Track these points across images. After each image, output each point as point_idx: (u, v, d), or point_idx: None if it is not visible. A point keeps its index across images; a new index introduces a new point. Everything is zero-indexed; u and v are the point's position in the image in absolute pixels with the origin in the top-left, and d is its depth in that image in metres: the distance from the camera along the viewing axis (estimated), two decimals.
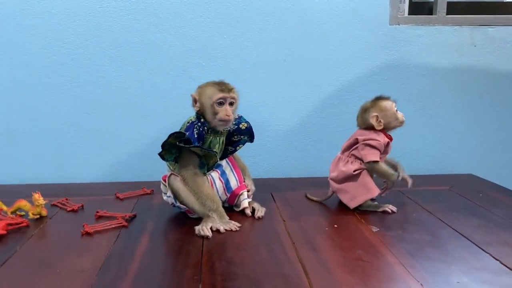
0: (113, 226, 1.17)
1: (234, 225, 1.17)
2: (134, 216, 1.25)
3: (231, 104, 1.20)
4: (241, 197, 1.29)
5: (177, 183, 1.20)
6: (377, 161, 1.27)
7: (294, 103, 1.72)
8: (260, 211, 1.26)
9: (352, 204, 1.29)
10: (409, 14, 1.77)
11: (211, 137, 1.22)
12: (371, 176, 1.29)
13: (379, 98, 1.31)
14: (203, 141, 1.20)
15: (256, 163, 1.73)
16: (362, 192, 1.27)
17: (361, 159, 1.29)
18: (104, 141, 1.67)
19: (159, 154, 1.20)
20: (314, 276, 0.89)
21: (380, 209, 1.28)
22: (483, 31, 1.72)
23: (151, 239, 1.10)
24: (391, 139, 1.31)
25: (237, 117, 1.29)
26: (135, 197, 1.43)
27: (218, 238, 1.09)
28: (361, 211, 1.28)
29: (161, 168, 1.65)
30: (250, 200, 1.30)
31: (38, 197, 1.24)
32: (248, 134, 1.30)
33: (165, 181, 1.24)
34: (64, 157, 1.67)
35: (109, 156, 1.68)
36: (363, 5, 1.67)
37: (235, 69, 1.66)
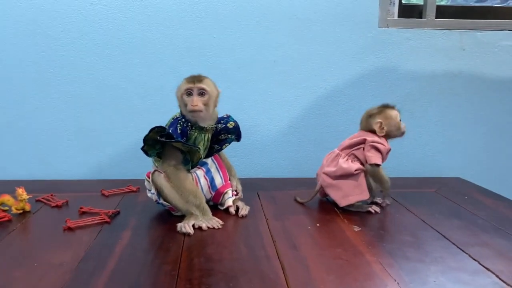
0: (96, 222, 1.17)
1: (216, 222, 1.17)
2: (118, 212, 1.25)
3: (201, 94, 1.19)
4: (226, 196, 1.28)
5: (161, 179, 1.19)
6: (379, 165, 1.27)
7: (283, 104, 1.72)
8: (244, 210, 1.26)
9: (342, 202, 1.28)
10: (398, 17, 1.78)
11: (196, 134, 1.22)
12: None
13: (385, 106, 1.33)
14: (187, 137, 1.20)
15: (244, 163, 1.73)
16: (356, 192, 1.27)
17: (360, 160, 1.29)
18: (92, 138, 1.67)
19: (142, 149, 1.19)
20: (291, 273, 0.89)
21: (364, 209, 1.28)
22: (472, 35, 1.73)
23: (132, 235, 1.10)
24: (390, 149, 1.31)
25: (225, 116, 1.29)
26: (120, 194, 1.43)
27: (200, 236, 1.09)
28: (345, 211, 1.28)
29: (148, 166, 1.65)
30: (234, 198, 1.29)
31: (21, 192, 1.24)
32: (235, 133, 1.30)
33: (149, 177, 1.24)
34: (51, 154, 1.67)
35: (96, 153, 1.68)
36: (353, 7, 1.68)
37: (224, 68, 1.67)
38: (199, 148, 1.22)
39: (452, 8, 1.90)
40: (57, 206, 1.31)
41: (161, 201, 1.22)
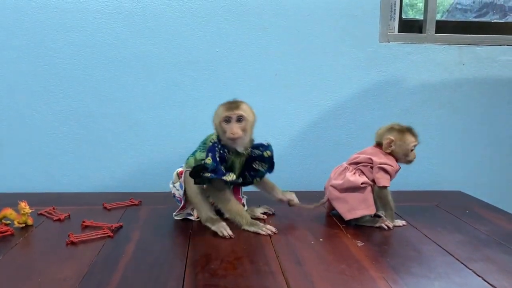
0: (99, 236, 1.17)
1: (270, 228, 1.21)
2: (121, 226, 1.25)
3: (239, 120, 1.21)
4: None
5: (192, 183, 1.23)
6: (386, 187, 1.27)
7: (284, 117, 1.73)
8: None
9: (348, 216, 1.27)
10: (398, 31, 1.79)
11: (232, 157, 1.24)
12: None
13: (409, 130, 1.31)
14: (225, 162, 1.23)
15: None
16: (362, 206, 1.26)
17: (366, 176, 1.29)
18: (94, 152, 1.67)
19: (196, 183, 1.22)
20: None
21: (377, 224, 1.27)
22: (471, 50, 1.75)
23: (136, 250, 1.09)
24: (399, 168, 1.31)
25: (266, 144, 1.29)
26: (123, 207, 1.43)
27: (203, 250, 1.09)
28: (348, 225, 1.29)
29: (149, 180, 1.66)
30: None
31: (24, 206, 1.23)
32: (269, 164, 1.31)
33: (180, 174, 1.28)
34: (52, 167, 1.67)
35: (97, 166, 1.68)
36: (354, 22, 1.70)
37: (226, 82, 1.68)
38: (239, 181, 1.27)
39: (451, 23, 1.92)
40: (59, 220, 1.30)
41: (182, 197, 1.27)
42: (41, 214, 1.34)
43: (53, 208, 1.38)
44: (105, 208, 1.42)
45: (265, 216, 1.35)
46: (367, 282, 0.93)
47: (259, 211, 1.36)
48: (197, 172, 1.19)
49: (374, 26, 1.71)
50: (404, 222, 1.30)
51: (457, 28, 1.88)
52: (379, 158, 1.28)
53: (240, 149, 1.24)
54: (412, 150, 1.31)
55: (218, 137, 1.24)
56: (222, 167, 1.20)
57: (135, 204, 1.46)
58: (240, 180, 1.29)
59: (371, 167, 1.29)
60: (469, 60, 1.75)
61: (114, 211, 1.40)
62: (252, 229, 1.22)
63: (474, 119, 1.79)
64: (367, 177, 1.29)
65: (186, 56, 1.66)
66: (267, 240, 1.17)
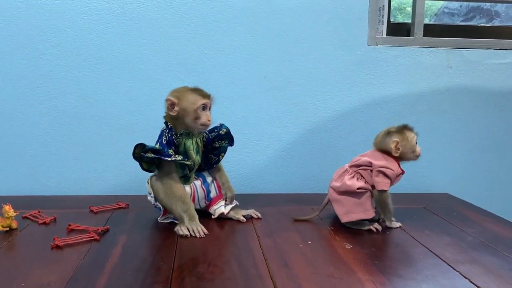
0: (85, 239, 1.15)
1: (199, 231, 1.21)
2: (107, 230, 1.23)
3: (209, 109, 1.27)
4: (216, 206, 1.35)
5: (158, 184, 1.26)
6: (386, 191, 1.27)
7: (273, 120, 1.73)
8: (255, 214, 1.36)
9: (344, 219, 1.27)
10: (387, 35, 1.80)
11: (184, 139, 1.28)
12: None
13: (405, 127, 1.31)
14: (175, 145, 1.26)
15: (234, 178, 1.71)
16: (359, 210, 1.26)
17: (365, 179, 1.28)
18: (80, 154, 1.65)
19: (143, 168, 1.28)
20: None
21: (366, 227, 1.27)
22: (459, 54, 1.77)
23: (122, 253, 1.08)
24: (403, 172, 1.31)
25: (218, 125, 1.36)
26: (110, 210, 1.41)
27: (191, 254, 1.08)
28: (336, 227, 1.28)
29: (137, 182, 1.64)
30: (230, 206, 1.36)
31: (8, 209, 1.21)
32: (228, 139, 1.36)
33: (149, 182, 1.31)
34: (38, 169, 1.64)
35: (84, 168, 1.66)
36: (342, 25, 1.71)
37: (215, 84, 1.67)
38: (187, 161, 1.27)
39: (439, 26, 1.93)
40: (44, 223, 1.28)
41: (158, 204, 1.29)
42: (25, 217, 1.32)
43: (38, 211, 1.36)
44: (91, 211, 1.40)
45: (245, 219, 1.33)
46: (355, 285, 0.93)
47: (241, 213, 1.35)
48: (139, 154, 1.23)
49: (363, 29, 1.72)
50: (399, 224, 1.31)
51: (444, 32, 1.90)
52: (379, 161, 1.28)
53: (194, 131, 1.29)
54: (416, 143, 1.31)
55: (166, 123, 1.29)
56: (170, 151, 1.24)
57: (122, 207, 1.44)
58: (192, 162, 1.28)
59: (371, 171, 1.28)
60: (456, 64, 1.77)
61: (101, 214, 1.38)
62: (187, 223, 1.22)
63: (461, 122, 1.80)
64: (366, 181, 1.28)
65: (174, 58, 1.65)
66: (255, 243, 1.16)
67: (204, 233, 1.20)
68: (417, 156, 1.32)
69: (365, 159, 1.30)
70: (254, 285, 0.92)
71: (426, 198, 1.63)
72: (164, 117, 1.30)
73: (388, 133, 1.31)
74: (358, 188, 1.26)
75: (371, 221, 1.30)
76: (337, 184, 1.30)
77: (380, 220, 1.33)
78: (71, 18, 1.60)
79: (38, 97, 1.62)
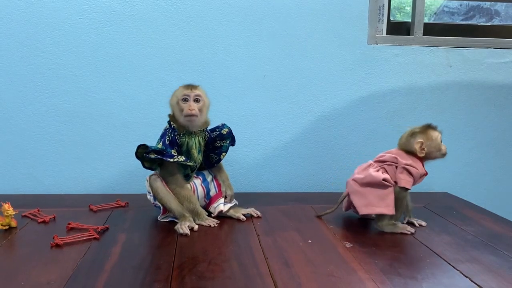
0: (84, 238, 1.15)
1: (212, 221, 1.27)
2: (107, 228, 1.23)
3: (196, 101, 1.28)
4: (215, 204, 1.36)
5: (157, 183, 1.27)
6: (407, 189, 1.26)
7: (273, 118, 1.73)
8: (254, 213, 1.36)
9: (363, 210, 1.25)
10: (387, 33, 1.80)
11: (186, 139, 1.29)
12: None
13: (428, 126, 1.30)
14: (178, 145, 1.28)
15: (234, 177, 1.71)
16: (381, 204, 1.24)
17: (390, 175, 1.26)
18: (80, 152, 1.65)
19: (144, 167, 1.29)
20: None
21: (398, 231, 1.25)
22: (459, 53, 1.77)
23: (122, 252, 1.08)
24: (426, 173, 1.29)
25: (220, 124, 1.37)
26: (109, 209, 1.41)
27: (191, 252, 1.08)
28: (337, 226, 1.29)
29: (137, 181, 1.64)
30: (230, 206, 1.36)
31: (7, 208, 1.21)
32: (230, 138, 1.37)
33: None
34: (37, 168, 1.64)
35: (84, 167, 1.66)
36: (342, 24, 1.70)
37: (215, 83, 1.67)
38: (189, 162, 1.28)
39: (439, 25, 1.93)
40: (44, 222, 1.28)
41: (158, 203, 1.29)
42: (25, 216, 1.32)
43: (38, 210, 1.36)
44: (91, 210, 1.40)
45: (245, 218, 1.33)
46: (355, 284, 0.93)
47: (241, 212, 1.35)
48: (141, 154, 1.25)
49: (363, 28, 1.72)
50: (413, 230, 1.26)
51: (444, 31, 1.90)
52: (405, 159, 1.27)
53: (194, 129, 1.29)
54: (441, 141, 1.30)
55: (169, 122, 1.30)
56: (173, 151, 1.26)
57: (121, 206, 1.44)
58: (194, 163, 1.30)
59: (396, 167, 1.27)
60: (456, 63, 1.77)
61: (101, 213, 1.38)
62: (195, 218, 1.26)
63: (461, 121, 1.80)
64: (390, 176, 1.26)
65: (174, 56, 1.65)
66: (255, 242, 1.16)
67: (216, 222, 1.27)
68: (444, 155, 1.31)
69: (391, 155, 1.29)
70: (254, 284, 0.92)
71: (426, 197, 1.62)
72: (168, 115, 1.33)
73: (412, 134, 1.30)
74: (383, 179, 1.24)
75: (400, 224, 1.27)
76: (360, 176, 1.28)
77: (414, 221, 1.31)
78: (71, 16, 1.59)
79: (38, 95, 1.61)
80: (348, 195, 1.31)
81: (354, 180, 1.29)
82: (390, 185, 1.25)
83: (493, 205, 1.58)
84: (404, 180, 1.25)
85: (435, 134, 1.29)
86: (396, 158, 1.27)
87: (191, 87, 1.29)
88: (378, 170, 1.27)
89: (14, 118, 1.61)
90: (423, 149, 1.27)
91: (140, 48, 1.63)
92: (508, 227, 1.32)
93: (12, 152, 1.63)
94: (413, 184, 1.28)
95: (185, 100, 1.27)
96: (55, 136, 1.64)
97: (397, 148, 1.33)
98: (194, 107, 1.26)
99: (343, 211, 1.37)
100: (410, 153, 1.29)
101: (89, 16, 1.60)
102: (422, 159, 1.29)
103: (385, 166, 1.28)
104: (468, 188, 1.80)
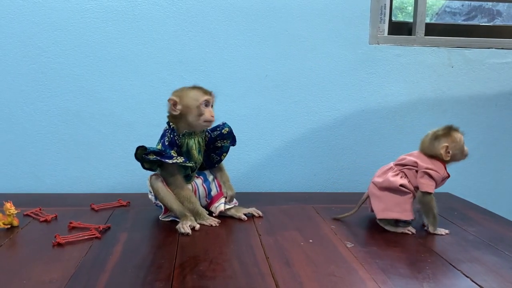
0: (86, 237, 1.15)
1: (213, 220, 1.28)
2: (108, 227, 1.23)
3: (212, 106, 1.29)
4: (217, 203, 1.36)
5: (158, 183, 1.27)
6: (430, 193, 1.24)
7: (275, 118, 1.73)
8: (256, 213, 1.36)
9: (381, 215, 1.25)
10: (388, 34, 1.80)
11: (186, 139, 1.28)
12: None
13: (451, 128, 1.27)
14: (178, 146, 1.27)
15: (235, 176, 1.72)
16: (397, 209, 1.23)
17: (409, 179, 1.25)
18: (82, 152, 1.66)
19: (144, 168, 1.29)
20: None
21: (399, 231, 1.25)
22: (460, 53, 1.77)
23: (123, 251, 1.08)
24: (449, 175, 1.28)
25: (221, 124, 1.36)
26: (111, 208, 1.41)
27: (192, 252, 1.08)
28: (338, 226, 1.28)
29: (138, 180, 1.64)
30: (231, 206, 1.36)
31: (9, 207, 1.21)
32: (230, 138, 1.36)
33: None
34: (39, 167, 1.65)
35: (85, 166, 1.66)
36: (344, 24, 1.71)
37: (216, 83, 1.67)
38: (187, 162, 1.27)
39: (441, 26, 1.93)
40: (46, 221, 1.28)
41: (159, 203, 1.29)
42: (27, 215, 1.32)
43: (40, 209, 1.36)
44: (92, 209, 1.40)
45: (246, 218, 1.33)
46: (356, 283, 0.93)
47: (242, 211, 1.35)
48: (141, 155, 1.25)
49: (364, 28, 1.72)
50: (447, 231, 1.25)
51: (446, 31, 1.90)
52: (425, 163, 1.24)
53: (197, 129, 1.29)
54: (463, 143, 1.27)
55: (168, 123, 1.29)
56: (173, 152, 1.25)
57: (123, 205, 1.45)
58: (194, 163, 1.29)
59: (416, 171, 1.25)
60: (458, 63, 1.77)
61: (102, 212, 1.38)
62: (196, 218, 1.26)
63: (462, 121, 1.80)
64: (410, 181, 1.25)
65: (175, 56, 1.65)
66: (257, 241, 1.16)
67: (217, 222, 1.27)
68: (466, 156, 1.29)
69: (411, 158, 1.26)
70: (255, 283, 0.92)
71: None
72: (168, 117, 1.30)
73: (436, 137, 1.26)
74: (400, 185, 1.23)
75: (405, 224, 1.26)
76: (379, 180, 1.27)
77: (425, 228, 1.28)
78: (73, 15, 1.60)
79: (39, 95, 1.62)
80: (368, 197, 1.31)
81: (373, 183, 1.29)
82: (408, 191, 1.24)
83: (494, 206, 1.58)
84: (426, 185, 1.23)
85: (458, 136, 1.26)
86: (416, 162, 1.25)
87: (208, 91, 1.29)
88: (397, 174, 1.25)
89: (16, 117, 1.62)
90: (449, 152, 1.25)
91: (142, 47, 1.64)
92: (510, 227, 1.32)
93: (14, 151, 1.63)
94: (436, 187, 1.25)
95: (206, 105, 1.27)
96: (57, 135, 1.64)
97: (419, 151, 1.30)
98: (213, 113, 1.27)
99: (369, 212, 1.34)
100: (432, 156, 1.26)
101: (91, 15, 1.61)
102: (445, 162, 1.27)
103: (405, 170, 1.26)
104: (469, 188, 1.80)
